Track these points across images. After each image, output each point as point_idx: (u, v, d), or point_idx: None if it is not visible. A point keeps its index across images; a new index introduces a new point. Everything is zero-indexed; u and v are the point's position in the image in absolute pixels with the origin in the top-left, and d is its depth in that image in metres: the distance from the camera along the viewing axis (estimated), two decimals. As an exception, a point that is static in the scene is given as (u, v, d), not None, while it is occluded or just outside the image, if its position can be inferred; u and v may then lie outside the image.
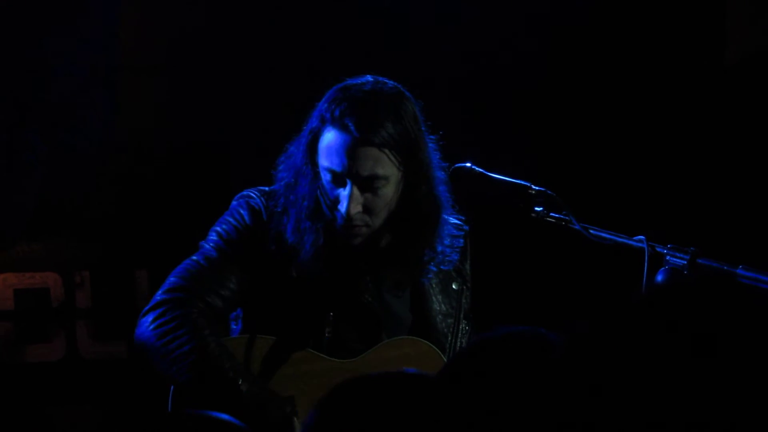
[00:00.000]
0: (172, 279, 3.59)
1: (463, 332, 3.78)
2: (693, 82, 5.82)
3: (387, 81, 3.58)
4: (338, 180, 3.50)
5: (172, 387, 3.54)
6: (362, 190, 3.50)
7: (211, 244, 3.62)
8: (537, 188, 3.42)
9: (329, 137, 3.48)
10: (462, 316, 3.78)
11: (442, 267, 3.71)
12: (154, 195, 5.42)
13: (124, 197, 5.40)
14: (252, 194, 3.68)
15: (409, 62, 5.47)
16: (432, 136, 3.62)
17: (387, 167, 3.49)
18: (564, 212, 3.38)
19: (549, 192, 3.40)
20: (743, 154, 5.77)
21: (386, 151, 3.48)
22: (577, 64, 5.79)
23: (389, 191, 3.53)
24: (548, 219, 3.40)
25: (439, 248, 3.66)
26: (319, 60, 5.35)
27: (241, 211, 3.64)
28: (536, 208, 3.41)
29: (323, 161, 3.50)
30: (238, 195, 3.71)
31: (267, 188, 3.70)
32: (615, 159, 5.79)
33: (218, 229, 3.65)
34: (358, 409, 1.72)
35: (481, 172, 3.52)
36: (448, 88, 5.59)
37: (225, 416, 1.90)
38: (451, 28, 5.65)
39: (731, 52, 5.87)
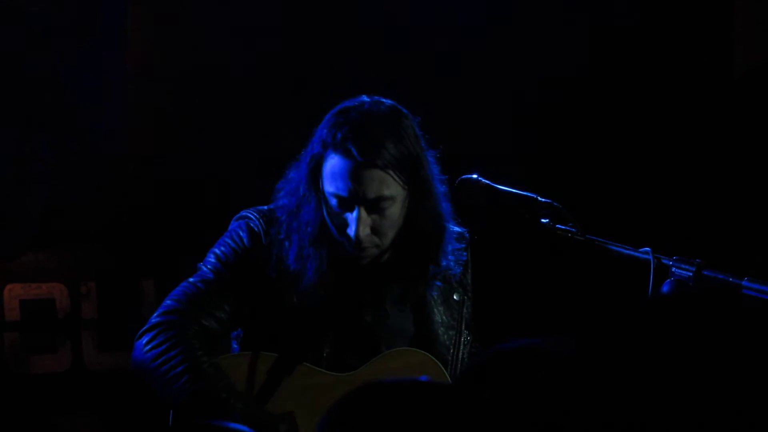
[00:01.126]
0: (167, 302, 3.59)
1: (465, 343, 3.77)
2: (701, 92, 5.82)
3: (383, 100, 3.58)
4: (345, 204, 3.50)
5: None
6: (369, 212, 3.50)
7: (209, 266, 3.62)
8: (543, 200, 3.42)
9: (333, 163, 3.48)
10: (464, 327, 3.78)
11: (445, 280, 3.71)
12: (161, 204, 5.42)
13: (130, 207, 5.41)
14: (251, 215, 3.67)
15: (410, 72, 5.48)
16: (432, 150, 3.62)
17: (392, 187, 3.50)
18: (570, 224, 3.37)
19: (555, 204, 3.40)
20: (750, 165, 5.77)
21: (390, 171, 3.48)
22: (584, 75, 5.79)
23: (396, 210, 3.53)
24: (554, 231, 3.40)
25: (444, 263, 3.67)
26: (327, 72, 5.36)
27: (241, 234, 3.64)
28: (542, 220, 3.41)
29: (328, 187, 3.50)
30: (237, 216, 3.71)
31: (265, 207, 3.70)
32: (621, 170, 5.79)
33: (216, 251, 3.65)
34: (371, 415, 1.71)
35: (487, 184, 3.52)
36: (452, 99, 5.60)
37: (245, 428, 1.91)
38: (453, 33, 5.65)
39: (739, 62, 5.87)
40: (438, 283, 3.70)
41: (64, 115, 5.26)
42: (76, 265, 5.38)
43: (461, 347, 3.76)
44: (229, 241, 3.64)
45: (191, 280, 3.61)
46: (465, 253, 3.78)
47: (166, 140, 5.44)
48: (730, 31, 5.90)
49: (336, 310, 3.60)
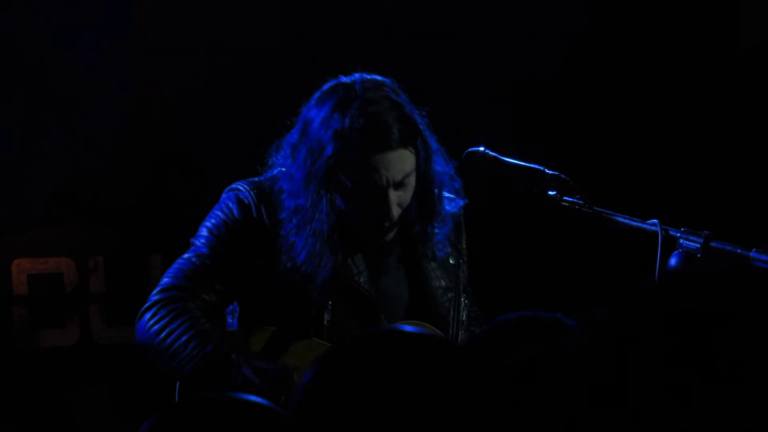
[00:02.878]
0: (165, 279, 3.60)
1: (464, 306, 3.78)
2: (706, 68, 5.81)
3: (371, 76, 3.58)
4: (374, 191, 3.51)
5: (177, 382, 3.54)
6: (396, 190, 3.52)
7: (202, 241, 3.62)
8: (550, 172, 3.42)
9: (359, 160, 3.48)
10: (461, 289, 3.79)
11: (441, 242, 3.71)
12: (168, 179, 5.42)
13: (138, 182, 5.41)
14: (241, 187, 3.66)
15: (414, 49, 5.48)
16: (420, 110, 3.62)
17: (411, 161, 3.54)
18: (577, 196, 3.37)
19: (562, 176, 3.40)
20: (756, 139, 5.77)
21: (408, 147, 3.52)
22: (590, 50, 5.78)
23: (413, 180, 3.56)
24: (562, 203, 3.40)
25: (439, 221, 3.68)
26: (332, 49, 5.36)
27: (230, 205, 3.63)
28: (550, 192, 3.41)
29: (354, 179, 3.49)
30: (227, 188, 3.70)
31: (256, 179, 3.69)
32: (628, 143, 5.79)
33: (208, 224, 3.64)
34: (369, 361, 1.66)
35: (494, 156, 3.53)
36: (457, 74, 5.59)
37: (258, 398, 1.90)
38: (457, 13, 5.64)
39: (744, 37, 5.86)
40: (439, 239, 3.70)
41: (69, 92, 5.26)
42: (84, 239, 5.38)
43: (461, 309, 3.77)
44: (220, 214, 3.63)
45: (186, 256, 3.61)
46: (461, 218, 3.79)
47: (172, 116, 5.44)
48: (736, 4, 5.89)
49: (331, 276, 3.61)
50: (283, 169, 3.65)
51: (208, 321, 3.50)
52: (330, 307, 3.60)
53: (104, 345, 5.41)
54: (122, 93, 5.34)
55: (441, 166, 3.65)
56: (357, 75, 3.56)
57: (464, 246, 3.85)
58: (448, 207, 3.71)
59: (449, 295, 3.76)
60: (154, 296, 3.56)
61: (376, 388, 1.61)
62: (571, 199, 3.39)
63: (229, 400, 1.90)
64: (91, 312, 5.41)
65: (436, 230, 3.68)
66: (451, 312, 3.76)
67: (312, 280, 3.56)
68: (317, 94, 3.58)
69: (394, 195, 3.51)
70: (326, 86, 3.58)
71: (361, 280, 3.64)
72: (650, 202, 4.18)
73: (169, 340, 3.47)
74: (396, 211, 3.52)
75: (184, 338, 3.45)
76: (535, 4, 5.74)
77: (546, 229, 5.30)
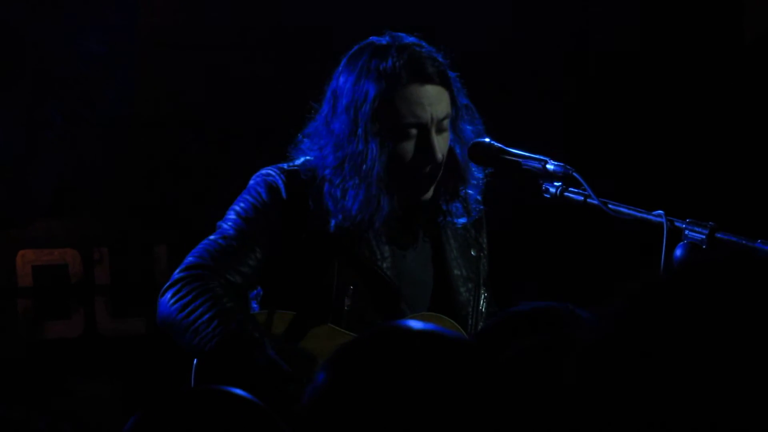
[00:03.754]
0: (189, 258, 3.58)
1: (484, 298, 3.78)
2: (711, 60, 5.81)
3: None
4: (419, 133, 3.53)
5: (195, 361, 3.53)
6: (437, 134, 3.56)
7: (230, 223, 3.62)
8: (555, 163, 3.42)
9: (404, 93, 3.51)
10: (481, 282, 3.80)
11: (469, 205, 3.72)
12: (173, 170, 5.43)
13: (143, 173, 5.41)
14: (270, 171, 3.67)
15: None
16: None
17: (448, 103, 3.59)
18: (582, 187, 3.37)
19: (567, 167, 3.40)
20: (760, 132, 5.77)
21: (446, 87, 3.58)
22: (594, 44, 5.78)
23: (448, 126, 3.61)
24: (567, 194, 3.40)
25: (470, 189, 3.70)
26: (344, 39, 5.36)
27: (259, 189, 3.64)
28: (555, 183, 3.41)
29: (403, 119, 3.50)
30: (256, 174, 3.71)
31: (285, 164, 3.70)
32: (634, 135, 5.79)
33: (236, 207, 3.65)
34: (381, 357, 1.67)
35: (500, 147, 3.54)
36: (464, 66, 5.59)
37: (243, 392, 1.90)
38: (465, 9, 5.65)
39: (750, 28, 5.85)
40: (460, 221, 3.71)
41: (74, 82, 5.26)
42: (89, 230, 5.39)
43: (480, 300, 3.77)
44: (248, 197, 3.64)
45: (212, 237, 3.61)
46: (482, 213, 3.80)
47: (178, 109, 5.44)
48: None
49: (354, 259, 3.62)
50: (310, 158, 3.66)
51: (231, 300, 3.49)
52: (351, 292, 3.59)
53: (109, 336, 5.42)
54: (128, 85, 5.35)
55: (470, 125, 3.67)
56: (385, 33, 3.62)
57: (485, 240, 3.86)
58: (477, 174, 3.72)
59: (469, 285, 3.76)
60: (177, 274, 3.55)
61: (385, 388, 1.62)
62: (576, 190, 3.39)
63: (214, 395, 1.89)
64: (96, 303, 5.42)
65: (470, 191, 3.69)
66: (471, 302, 3.76)
67: (370, 226, 3.57)
68: (345, 59, 3.62)
69: (435, 138, 3.53)
70: (354, 49, 3.61)
71: (384, 266, 3.64)
72: (656, 193, 4.18)
73: (192, 318, 3.45)
74: (440, 155, 3.53)
75: (207, 316, 3.44)
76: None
77: (552, 220, 5.30)
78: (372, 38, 3.62)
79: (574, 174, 3.38)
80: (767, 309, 1.44)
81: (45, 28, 5.19)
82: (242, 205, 3.64)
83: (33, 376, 5.28)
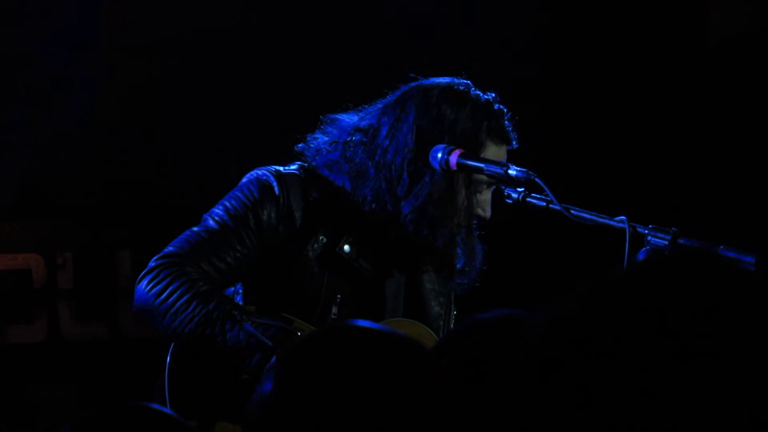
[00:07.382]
0: (168, 248, 3.57)
1: (452, 314, 3.81)
2: (676, 63, 5.83)
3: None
4: (493, 179, 3.56)
5: (171, 345, 3.52)
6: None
7: (215, 217, 3.60)
8: (518, 169, 3.42)
9: (495, 150, 3.56)
10: (452, 298, 3.81)
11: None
12: (136, 176, 5.41)
13: (106, 178, 5.39)
14: (263, 171, 3.66)
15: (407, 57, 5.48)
16: None
17: None
18: (545, 193, 3.37)
19: (530, 172, 3.40)
20: (725, 135, 5.78)
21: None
22: (560, 46, 5.79)
23: None
24: (529, 199, 3.40)
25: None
26: (307, 44, 5.35)
27: (251, 188, 3.63)
28: (517, 189, 3.41)
29: (488, 170, 3.50)
30: (250, 173, 3.70)
31: (283, 168, 3.68)
32: (596, 140, 5.80)
33: (225, 203, 3.63)
34: (334, 356, 1.66)
35: (460, 153, 3.53)
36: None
37: (166, 409, 1.92)
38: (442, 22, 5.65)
39: (714, 33, 5.88)
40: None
41: (37, 87, 5.24)
42: (53, 235, 5.37)
43: (450, 315, 3.80)
44: (239, 194, 3.63)
45: (195, 229, 3.60)
46: None
47: (141, 113, 5.43)
48: (706, 3, 5.91)
49: (346, 270, 3.62)
50: (320, 164, 3.68)
51: (206, 284, 3.48)
52: (338, 300, 3.59)
53: (72, 341, 5.40)
54: (90, 88, 5.33)
55: None
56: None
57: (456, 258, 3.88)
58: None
59: (441, 299, 3.79)
60: (153, 262, 3.54)
61: (336, 387, 1.62)
62: (538, 196, 3.39)
63: (141, 411, 1.91)
64: (60, 308, 5.40)
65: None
66: (443, 316, 3.79)
67: (325, 271, 3.61)
68: (441, 91, 3.64)
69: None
70: (452, 85, 3.67)
71: (371, 276, 3.66)
72: (618, 199, 4.18)
73: (170, 300, 3.45)
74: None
75: (185, 297, 3.44)
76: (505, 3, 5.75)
77: (514, 226, 5.30)
78: (458, 86, 3.66)
79: (537, 179, 3.38)
80: (713, 306, 1.45)
81: (8, 32, 5.16)
82: (232, 202, 3.62)
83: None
